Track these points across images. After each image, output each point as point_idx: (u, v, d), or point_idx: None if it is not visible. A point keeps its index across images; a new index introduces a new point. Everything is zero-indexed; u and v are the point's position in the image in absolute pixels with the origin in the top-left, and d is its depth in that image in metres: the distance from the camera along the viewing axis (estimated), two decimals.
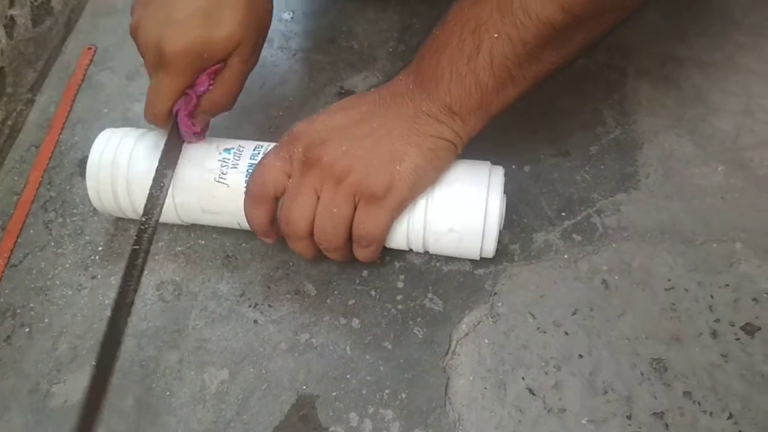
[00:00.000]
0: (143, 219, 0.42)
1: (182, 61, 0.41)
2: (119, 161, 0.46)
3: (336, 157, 0.40)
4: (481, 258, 0.45)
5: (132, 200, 0.47)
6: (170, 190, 0.45)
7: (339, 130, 0.41)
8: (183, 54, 0.41)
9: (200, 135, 0.46)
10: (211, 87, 0.44)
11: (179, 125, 0.44)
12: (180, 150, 0.45)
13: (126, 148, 0.46)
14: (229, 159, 0.45)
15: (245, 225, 0.45)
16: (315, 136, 0.41)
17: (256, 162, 0.44)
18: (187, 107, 0.43)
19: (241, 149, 0.46)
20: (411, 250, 0.46)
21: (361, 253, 0.44)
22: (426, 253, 0.47)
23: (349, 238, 0.43)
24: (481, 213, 0.42)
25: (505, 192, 0.44)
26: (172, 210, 0.46)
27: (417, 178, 0.41)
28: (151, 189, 0.44)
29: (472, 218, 0.42)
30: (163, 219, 0.45)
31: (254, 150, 0.46)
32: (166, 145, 0.45)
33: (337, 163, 0.40)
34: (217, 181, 0.45)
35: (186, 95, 0.43)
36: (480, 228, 0.42)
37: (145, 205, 0.43)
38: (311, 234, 0.42)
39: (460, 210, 0.42)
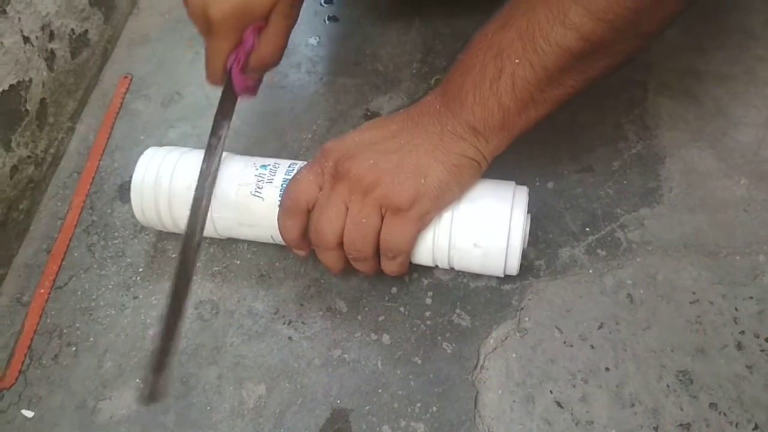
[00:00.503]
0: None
1: (227, 23, 0.45)
2: (161, 179, 0.48)
3: (364, 170, 0.42)
4: (505, 275, 0.46)
5: (173, 216, 0.49)
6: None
7: (368, 146, 0.43)
8: (226, 17, 0.44)
9: (252, 91, 0.50)
10: (256, 43, 0.47)
11: (233, 80, 0.48)
12: (234, 105, 0.49)
13: (168, 165, 0.49)
14: (265, 174, 0.47)
15: (278, 238, 0.47)
16: (345, 151, 0.43)
17: (290, 177, 0.46)
18: (238, 63, 0.47)
19: (277, 166, 0.48)
20: (437, 266, 0.47)
21: (389, 266, 0.45)
22: (452, 269, 0.48)
23: (377, 251, 0.44)
24: (505, 228, 0.43)
25: (529, 210, 0.45)
26: (210, 223, 0.48)
27: (441, 192, 0.42)
28: (208, 142, 0.47)
29: (496, 233, 0.43)
30: None
31: (289, 167, 0.48)
32: (220, 99, 0.49)
33: (365, 175, 0.42)
34: (253, 194, 0.47)
35: (235, 52, 0.47)
36: (504, 243, 0.43)
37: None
38: (339, 244, 0.44)
39: (484, 225, 0.43)
